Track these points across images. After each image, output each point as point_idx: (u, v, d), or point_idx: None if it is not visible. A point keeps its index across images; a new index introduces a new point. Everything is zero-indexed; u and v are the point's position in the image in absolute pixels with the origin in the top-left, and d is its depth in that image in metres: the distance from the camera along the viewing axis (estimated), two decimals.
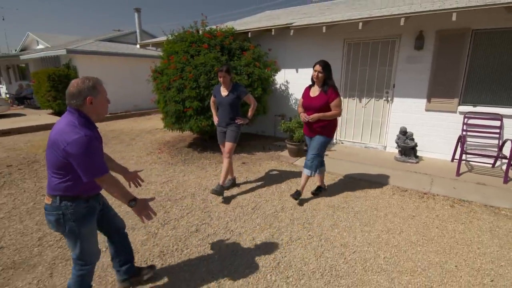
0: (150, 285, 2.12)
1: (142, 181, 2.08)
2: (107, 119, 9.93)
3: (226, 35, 5.58)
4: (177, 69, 5.05)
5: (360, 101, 5.59)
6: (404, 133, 4.80)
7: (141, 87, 11.74)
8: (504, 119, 4.37)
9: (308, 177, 3.40)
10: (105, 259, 2.33)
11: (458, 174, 4.15)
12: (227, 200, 3.51)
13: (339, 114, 3.22)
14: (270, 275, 2.24)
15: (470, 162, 4.68)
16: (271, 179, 4.21)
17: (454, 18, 3.89)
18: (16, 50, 19.23)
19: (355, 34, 5.22)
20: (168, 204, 3.42)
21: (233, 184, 3.92)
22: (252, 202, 3.48)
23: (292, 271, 2.27)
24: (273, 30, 5.66)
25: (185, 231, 2.86)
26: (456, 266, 2.34)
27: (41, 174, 4.47)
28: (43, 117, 9.59)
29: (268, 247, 2.59)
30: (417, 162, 4.71)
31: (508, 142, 4.23)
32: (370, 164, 4.68)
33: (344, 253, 2.51)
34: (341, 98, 3.36)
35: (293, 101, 6.35)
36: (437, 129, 4.89)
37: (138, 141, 6.58)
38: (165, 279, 2.20)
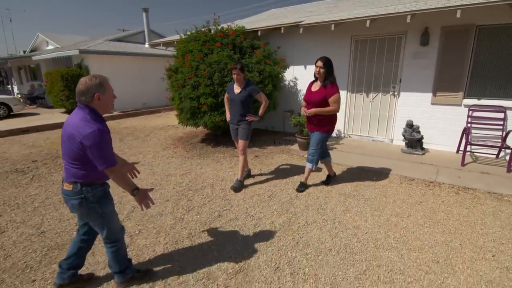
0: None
1: (138, 172, 2.24)
2: (118, 117, 10.21)
3: (238, 33, 5.79)
4: (192, 67, 5.28)
5: (368, 96, 5.78)
6: (410, 126, 4.98)
7: (150, 85, 12.02)
8: (507, 111, 4.54)
9: (310, 170, 3.64)
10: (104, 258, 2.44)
11: (463, 164, 4.33)
12: (244, 189, 3.75)
13: (337, 110, 3.33)
14: (291, 252, 2.47)
15: (475, 153, 4.86)
16: (283, 170, 4.44)
17: (458, 15, 4.05)
18: (25, 52, 19.67)
19: (362, 31, 5.40)
20: (190, 193, 3.66)
21: (249, 175, 4.16)
22: (268, 191, 3.71)
23: (311, 249, 2.51)
24: (282, 28, 5.86)
25: (208, 216, 3.10)
26: (460, 244, 2.55)
27: None
28: (57, 115, 9.92)
29: (287, 229, 2.82)
30: (423, 154, 4.90)
31: None
32: (378, 156, 4.87)
33: (357, 233, 2.73)
34: (340, 93, 3.34)
35: (301, 97, 6.54)
36: (443, 122, 5.07)
37: (152, 137, 6.84)
38: (197, 257, 2.44)
